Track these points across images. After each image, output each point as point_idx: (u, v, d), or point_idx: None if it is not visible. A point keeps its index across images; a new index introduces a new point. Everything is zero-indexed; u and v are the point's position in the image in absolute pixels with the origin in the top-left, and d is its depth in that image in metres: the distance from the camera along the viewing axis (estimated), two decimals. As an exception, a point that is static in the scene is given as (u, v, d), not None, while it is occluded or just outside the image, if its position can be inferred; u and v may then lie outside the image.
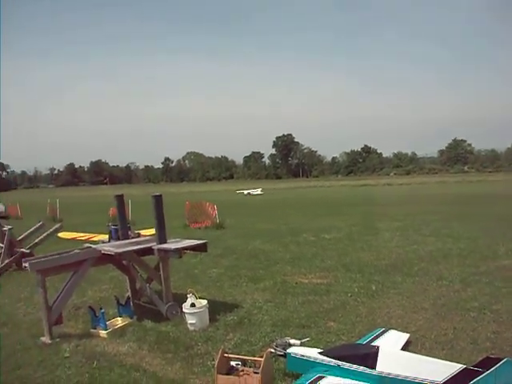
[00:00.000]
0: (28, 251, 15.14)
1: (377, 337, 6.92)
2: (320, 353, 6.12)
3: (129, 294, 10.36)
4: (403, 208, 32.61)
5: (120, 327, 9.10)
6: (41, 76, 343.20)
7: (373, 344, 6.48)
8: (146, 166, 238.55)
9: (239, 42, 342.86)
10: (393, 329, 7.45)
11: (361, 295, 10.18)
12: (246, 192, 75.26)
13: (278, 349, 6.47)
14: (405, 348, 6.76)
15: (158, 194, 9.73)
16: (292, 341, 6.55)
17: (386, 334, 7.06)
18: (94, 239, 17.53)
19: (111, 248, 9.41)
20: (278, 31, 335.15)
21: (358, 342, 6.87)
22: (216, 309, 9.48)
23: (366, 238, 18.24)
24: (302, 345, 6.51)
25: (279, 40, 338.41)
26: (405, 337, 7.14)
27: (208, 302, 8.99)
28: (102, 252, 9.29)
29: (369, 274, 12.08)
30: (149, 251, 9.55)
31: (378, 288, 10.69)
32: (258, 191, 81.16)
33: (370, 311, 9.06)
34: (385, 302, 9.67)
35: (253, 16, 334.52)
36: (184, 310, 8.76)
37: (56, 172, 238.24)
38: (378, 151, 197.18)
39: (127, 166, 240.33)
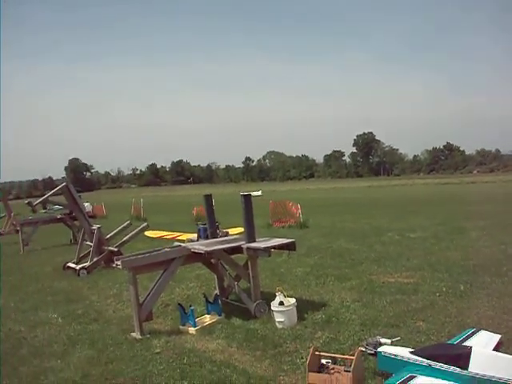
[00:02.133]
0: (116, 249, 15.61)
1: (468, 337, 6.84)
2: (411, 352, 6.11)
3: (217, 291, 10.54)
4: (489, 207, 31.76)
5: (208, 324, 9.30)
6: (118, 77, 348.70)
7: (464, 344, 6.44)
8: (227, 166, 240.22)
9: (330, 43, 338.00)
10: (484, 329, 7.34)
11: (449, 295, 10.02)
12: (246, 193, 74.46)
13: (369, 348, 6.49)
14: (496, 349, 6.65)
15: (246, 193, 9.87)
16: (383, 340, 6.55)
17: (476, 335, 6.97)
18: (180, 238, 17.87)
19: (201, 246, 9.58)
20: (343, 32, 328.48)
21: (449, 342, 6.82)
22: (304, 307, 9.53)
23: (452, 237, 17.89)
24: (392, 344, 6.51)
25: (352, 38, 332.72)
26: (496, 338, 7.02)
27: (296, 301, 9.09)
28: (192, 250, 9.49)
29: (456, 274, 11.85)
30: (238, 250, 9.70)
31: (467, 288, 10.48)
32: (259, 193, 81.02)
33: (459, 311, 8.92)
34: (474, 302, 9.48)
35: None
36: (272, 308, 8.87)
37: (138, 172, 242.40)
38: (461, 149, 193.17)
39: (208, 166, 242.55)
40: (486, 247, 15.58)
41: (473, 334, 7.03)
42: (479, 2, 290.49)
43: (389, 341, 6.54)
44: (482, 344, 6.59)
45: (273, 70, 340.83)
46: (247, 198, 9.71)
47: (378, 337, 6.71)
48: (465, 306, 9.24)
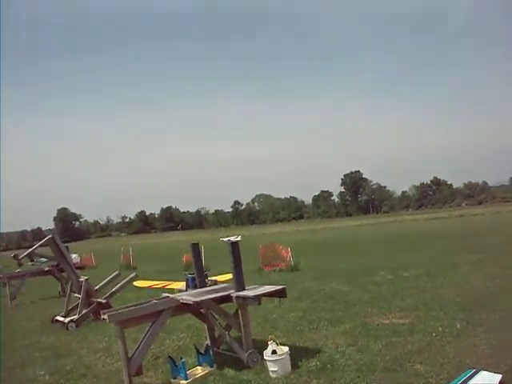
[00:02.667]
0: (105, 301, 15.30)
1: (468, 379, 6.62)
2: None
3: (208, 342, 10.30)
4: (480, 240, 31.73)
5: (200, 376, 9.02)
6: (109, 126, 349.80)
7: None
8: (216, 211, 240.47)
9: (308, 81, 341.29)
10: (483, 370, 7.13)
11: (446, 334, 9.79)
12: (226, 239, 74.37)
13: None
14: (498, 391, 6.45)
15: (234, 240, 9.69)
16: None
17: (477, 376, 6.74)
18: (170, 287, 17.63)
19: (189, 297, 9.37)
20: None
21: (453, 382, 6.60)
22: (297, 355, 9.27)
23: (445, 274, 17.72)
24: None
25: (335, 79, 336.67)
26: (497, 378, 6.80)
27: (289, 348, 8.85)
28: (181, 301, 9.28)
29: (452, 312, 11.63)
30: (227, 299, 9.47)
31: (463, 326, 10.27)
32: (238, 238, 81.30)
33: (457, 351, 8.69)
34: (471, 340, 9.27)
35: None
36: (265, 357, 8.63)
37: (127, 220, 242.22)
38: (448, 182, 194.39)
39: (197, 211, 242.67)
40: (479, 282, 15.40)
41: (473, 375, 6.80)
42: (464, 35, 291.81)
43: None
44: (482, 386, 6.39)
45: (259, 111, 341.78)
46: (235, 245, 9.54)
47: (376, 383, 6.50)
48: (462, 346, 9.01)
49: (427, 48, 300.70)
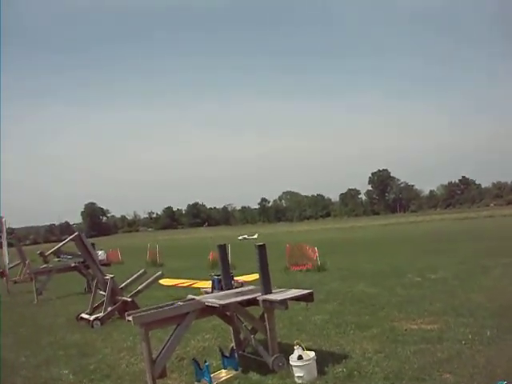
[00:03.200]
0: (130, 299, 15.27)
1: (499, 392, 6.45)
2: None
3: (233, 344, 10.18)
4: (510, 241, 31.29)
5: (225, 380, 8.90)
6: (129, 118, 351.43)
7: None
8: (243, 207, 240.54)
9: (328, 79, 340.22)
10: (516, 382, 6.93)
11: (476, 342, 9.53)
12: (241, 237, 74.12)
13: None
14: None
15: (261, 243, 9.56)
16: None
17: (508, 389, 6.58)
18: (196, 286, 17.54)
19: (215, 300, 9.25)
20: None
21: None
22: (324, 360, 9.10)
23: (475, 277, 17.43)
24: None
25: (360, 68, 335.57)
26: (530, 390, 6.63)
27: (315, 353, 8.67)
28: (206, 304, 9.16)
29: (482, 318, 11.36)
30: (253, 302, 9.34)
31: (494, 334, 9.98)
32: (255, 236, 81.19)
33: (487, 361, 8.42)
34: (502, 349, 9.00)
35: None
36: (291, 362, 8.48)
37: (154, 215, 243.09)
38: (477, 182, 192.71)
39: (224, 208, 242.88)
40: (511, 286, 15.11)
41: (505, 387, 6.63)
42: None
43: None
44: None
45: (286, 109, 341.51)
46: (261, 248, 9.40)
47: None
48: (493, 355, 8.73)
49: (453, 46, 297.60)
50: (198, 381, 8.86)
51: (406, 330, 11.05)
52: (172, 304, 9.31)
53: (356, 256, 30.88)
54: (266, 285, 9.30)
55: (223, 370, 9.34)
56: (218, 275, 10.82)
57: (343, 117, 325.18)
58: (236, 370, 9.27)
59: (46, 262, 23.76)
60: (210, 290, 10.97)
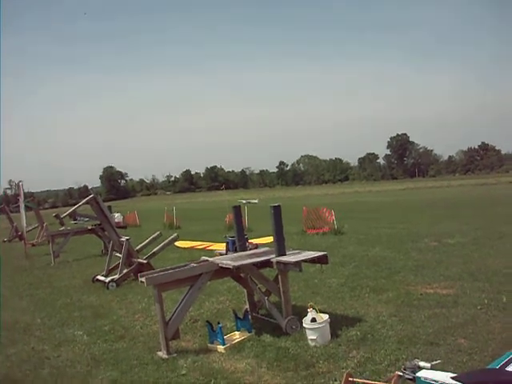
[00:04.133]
0: (145, 261, 15.34)
1: (512, 360, 6.33)
2: (453, 377, 5.62)
3: (247, 307, 10.18)
4: (530, 208, 31.02)
5: (238, 342, 8.89)
6: (151, 87, 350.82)
7: (510, 368, 5.93)
8: (261, 171, 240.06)
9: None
10: (531, 349, 6.82)
11: (491, 308, 9.44)
12: (244, 201, 74.32)
13: (407, 372, 6.00)
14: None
15: (276, 204, 9.47)
16: (422, 363, 6.04)
17: (524, 356, 6.46)
18: (211, 248, 17.55)
19: (228, 261, 9.22)
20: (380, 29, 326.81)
21: (492, 364, 6.29)
22: (337, 323, 9.09)
23: (492, 243, 17.25)
24: (432, 368, 6.02)
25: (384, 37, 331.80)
26: (546, 359, 6.50)
27: (329, 316, 8.63)
28: (219, 265, 9.13)
29: (498, 284, 11.25)
30: (267, 264, 9.31)
31: (510, 299, 9.86)
32: (256, 201, 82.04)
33: (502, 327, 8.34)
34: (518, 315, 8.98)
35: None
36: (304, 325, 8.46)
37: (173, 179, 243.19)
38: (497, 148, 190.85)
39: (242, 171, 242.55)
40: (528, 253, 14.95)
41: (519, 354, 6.52)
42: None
43: (428, 364, 6.03)
44: (530, 367, 6.09)
45: (306, 74, 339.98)
46: (277, 209, 9.31)
47: (417, 360, 6.20)
48: (509, 321, 8.63)
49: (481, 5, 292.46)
50: (211, 342, 8.85)
51: (421, 294, 10.97)
52: (185, 265, 9.31)
53: (373, 220, 30.72)
54: (280, 246, 9.25)
55: (236, 332, 9.34)
56: (233, 237, 10.76)
57: (366, 80, 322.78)
58: (249, 331, 9.27)
59: (61, 225, 23.92)
60: (225, 251, 10.92)
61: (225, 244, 11.35)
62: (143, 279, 8.53)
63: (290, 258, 9.04)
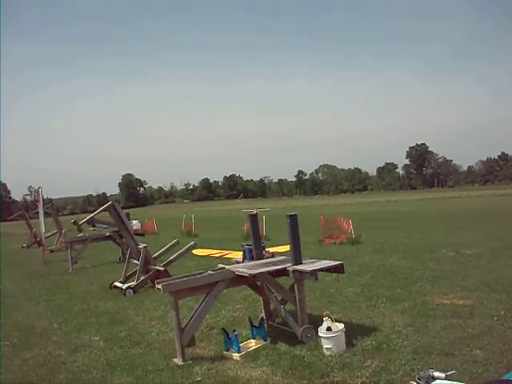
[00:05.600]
0: (162, 268, 15.41)
1: (528, 371, 6.32)
2: (467, 388, 5.63)
3: (263, 315, 10.20)
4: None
5: (253, 350, 8.90)
6: (174, 91, 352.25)
7: None
8: (280, 180, 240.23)
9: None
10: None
11: (508, 319, 9.39)
12: (255, 210, 74.05)
13: (421, 382, 6.01)
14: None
15: (293, 213, 9.50)
16: (436, 373, 6.04)
17: (539, 368, 6.45)
18: (228, 256, 17.61)
19: (245, 269, 9.25)
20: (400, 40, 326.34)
21: (507, 376, 6.29)
22: (353, 332, 9.10)
23: (510, 254, 17.10)
24: (446, 378, 6.01)
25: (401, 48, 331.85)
26: (561, 371, 6.49)
27: (344, 325, 8.64)
28: (236, 273, 9.17)
29: (515, 295, 11.26)
30: (283, 272, 9.32)
31: (527, 311, 9.89)
32: (267, 209, 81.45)
33: (519, 338, 8.37)
34: (535, 327, 8.94)
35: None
36: (320, 334, 8.47)
37: (191, 187, 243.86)
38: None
39: (261, 180, 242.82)
40: (546, 264, 14.85)
41: (535, 365, 6.52)
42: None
43: (443, 375, 6.02)
44: (545, 378, 6.07)
45: (322, 85, 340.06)
46: (293, 218, 9.34)
47: (431, 370, 6.19)
48: (525, 332, 8.65)
49: (496, 21, 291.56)
50: (227, 350, 8.89)
51: (437, 304, 10.94)
52: (202, 273, 9.36)
53: (391, 230, 30.65)
54: (296, 255, 9.28)
55: (252, 340, 9.37)
56: (250, 245, 10.80)
57: (383, 91, 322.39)
58: (265, 340, 9.29)
59: (79, 231, 24.11)
60: (241, 259, 10.96)
61: (242, 252, 11.38)
62: (160, 286, 8.58)
63: (306, 266, 9.06)
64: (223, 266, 9.95)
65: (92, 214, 16.91)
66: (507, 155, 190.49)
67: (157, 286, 8.78)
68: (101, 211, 16.21)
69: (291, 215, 9.41)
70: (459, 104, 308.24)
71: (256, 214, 11.09)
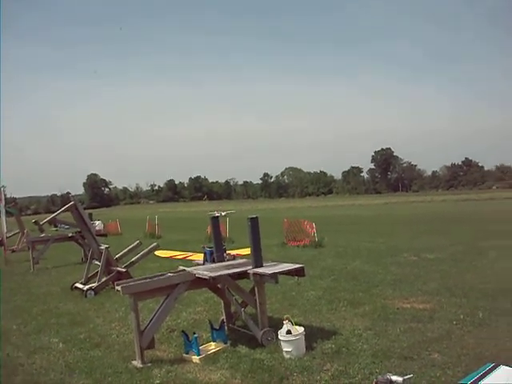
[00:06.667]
0: (124, 270, 15.29)
1: (485, 374, 6.35)
2: (424, 392, 5.66)
3: (223, 317, 10.17)
4: (509, 225, 31.13)
5: (213, 352, 8.86)
6: (138, 93, 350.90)
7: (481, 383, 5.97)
8: (245, 182, 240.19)
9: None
10: (503, 365, 6.85)
11: (467, 323, 9.48)
12: (224, 213, 74.62)
13: (379, 386, 6.04)
14: (517, 388, 6.16)
15: (254, 216, 9.48)
16: (394, 377, 6.08)
17: (495, 371, 6.46)
18: (191, 258, 17.51)
19: (205, 271, 9.21)
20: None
21: (464, 380, 6.33)
22: (313, 335, 9.10)
23: (471, 259, 17.36)
24: (404, 382, 6.05)
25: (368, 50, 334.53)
26: (517, 374, 6.54)
27: (305, 328, 8.65)
28: (196, 275, 9.12)
29: (475, 299, 11.31)
30: (244, 275, 9.30)
31: (485, 315, 9.92)
32: (223, 213, 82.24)
33: (477, 342, 8.38)
34: (493, 331, 8.95)
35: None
36: (280, 337, 8.45)
37: (156, 188, 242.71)
38: (480, 164, 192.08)
39: (226, 182, 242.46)
40: (506, 269, 14.98)
41: (491, 370, 6.53)
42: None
43: (400, 379, 6.06)
44: (501, 382, 6.12)
45: (286, 90, 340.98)
46: (254, 220, 9.32)
47: (389, 374, 6.23)
48: (483, 337, 8.69)
49: (471, 23, 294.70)
50: (187, 353, 8.84)
51: (397, 308, 11.01)
52: (162, 275, 9.30)
53: (354, 234, 30.88)
54: (257, 258, 9.26)
55: (212, 343, 9.33)
56: (211, 247, 10.79)
57: (345, 95, 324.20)
58: (225, 343, 9.26)
59: (41, 231, 23.84)
60: (202, 262, 10.93)
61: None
62: (119, 288, 8.50)
63: (267, 269, 9.03)
64: (184, 268, 9.90)
65: (53, 214, 16.75)
66: (471, 161, 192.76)
67: (116, 287, 8.71)
68: (62, 211, 16.05)
69: (252, 218, 9.39)
70: (425, 109, 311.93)
71: (218, 216, 11.08)
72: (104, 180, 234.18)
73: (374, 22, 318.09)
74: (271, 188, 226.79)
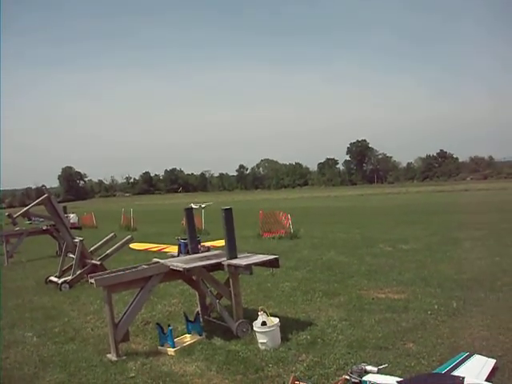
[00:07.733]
0: (99, 263, 15.21)
1: (460, 363, 6.38)
2: (398, 382, 5.66)
3: (198, 309, 10.13)
4: (483, 216, 31.38)
5: (188, 345, 8.85)
6: (116, 86, 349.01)
7: (456, 372, 5.99)
8: (221, 174, 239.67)
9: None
10: (477, 353, 6.88)
11: (441, 313, 9.54)
12: (204, 205, 74.83)
13: (354, 376, 6.01)
14: (491, 376, 6.20)
15: (228, 207, 9.44)
16: (368, 367, 6.07)
17: (469, 360, 6.52)
18: (166, 250, 17.45)
19: (179, 263, 9.16)
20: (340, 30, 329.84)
21: (439, 369, 6.36)
22: (288, 327, 9.10)
23: (445, 249, 17.46)
24: (379, 372, 6.04)
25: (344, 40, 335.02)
26: (491, 363, 6.56)
27: (280, 320, 8.66)
28: (170, 267, 9.07)
29: (449, 289, 11.38)
30: (218, 266, 9.26)
31: (460, 305, 10.00)
32: (203, 205, 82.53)
33: (451, 332, 8.44)
34: (467, 321, 9.02)
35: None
36: (255, 328, 8.43)
37: (132, 180, 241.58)
38: (454, 156, 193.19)
39: (202, 174, 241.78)
40: (480, 259, 15.11)
41: (465, 358, 6.58)
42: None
43: (375, 368, 6.05)
44: (475, 371, 6.15)
45: (261, 81, 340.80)
46: (228, 212, 9.27)
47: (364, 363, 6.22)
48: (458, 326, 8.75)
49: (426, 21, 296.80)
50: (162, 345, 8.82)
51: (373, 298, 11.06)
52: (136, 267, 9.24)
53: (330, 225, 30.93)
54: (231, 249, 9.22)
55: (187, 335, 9.32)
56: (185, 239, 10.72)
57: (321, 86, 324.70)
58: (200, 334, 9.24)
59: (14, 225, 23.58)
60: (177, 254, 10.86)
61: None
62: (93, 280, 8.44)
63: (241, 261, 9.00)
64: (158, 260, 9.83)
65: (27, 207, 16.60)
66: (445, 152, 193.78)
67: (90, 280, 8.63)
68: (36, 204, 15.89)
69: (226, 209, 9.34)
70: (401, 101, 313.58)
71: (192, 208, 11.01)
72: (79, 173, 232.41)
73: (347, 9, 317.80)
74: (247, 180, 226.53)
